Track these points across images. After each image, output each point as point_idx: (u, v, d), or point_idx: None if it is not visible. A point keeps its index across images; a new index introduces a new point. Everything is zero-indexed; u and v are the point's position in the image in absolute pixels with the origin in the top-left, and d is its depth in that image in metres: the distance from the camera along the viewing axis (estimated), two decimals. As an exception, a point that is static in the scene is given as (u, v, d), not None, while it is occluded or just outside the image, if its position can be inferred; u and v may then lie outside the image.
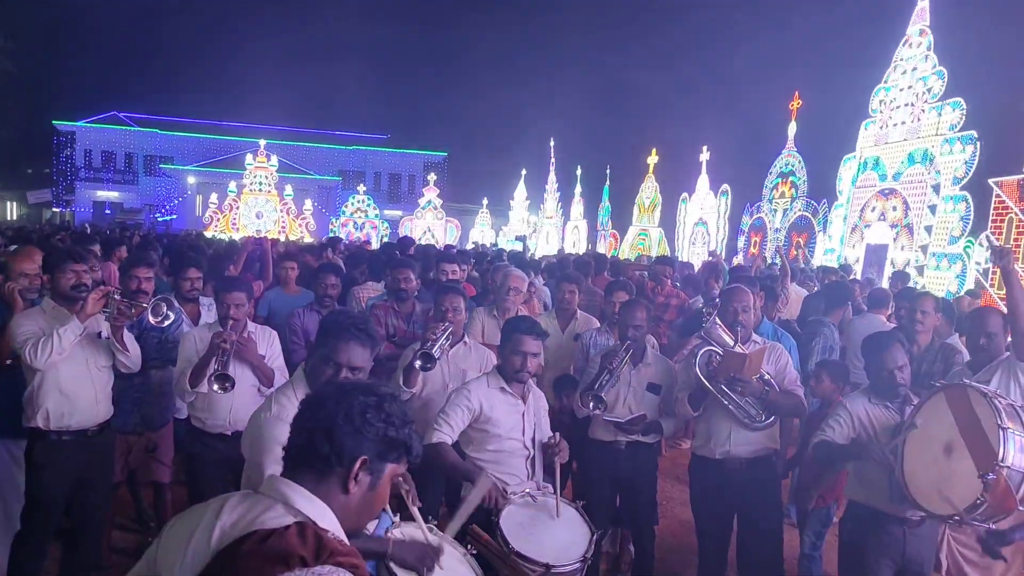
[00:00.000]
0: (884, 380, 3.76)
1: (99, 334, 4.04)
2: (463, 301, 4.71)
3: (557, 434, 3.88)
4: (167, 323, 4.12)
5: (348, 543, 1.66)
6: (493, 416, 3.75)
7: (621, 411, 4.49)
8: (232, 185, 34.60)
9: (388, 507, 2.80)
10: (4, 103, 36.41)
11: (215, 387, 3.87)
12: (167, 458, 4.94)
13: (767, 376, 4.20)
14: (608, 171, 29.17)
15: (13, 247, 11.11)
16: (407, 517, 2.85)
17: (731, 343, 4.18)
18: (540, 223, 34.79)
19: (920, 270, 13.28)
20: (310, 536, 1.57)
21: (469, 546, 3.03)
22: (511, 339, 3.77)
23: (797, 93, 18.15)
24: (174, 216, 43.40)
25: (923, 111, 13.72)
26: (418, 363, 4.19)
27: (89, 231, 24.48)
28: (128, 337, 4.10)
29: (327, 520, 1.66)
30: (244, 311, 4.25)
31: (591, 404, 4.24)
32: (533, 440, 3.86)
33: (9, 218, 48.91)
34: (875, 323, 6.35)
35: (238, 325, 4.17)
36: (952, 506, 3.22)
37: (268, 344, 4.37)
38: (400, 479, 2.79)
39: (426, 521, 2.86)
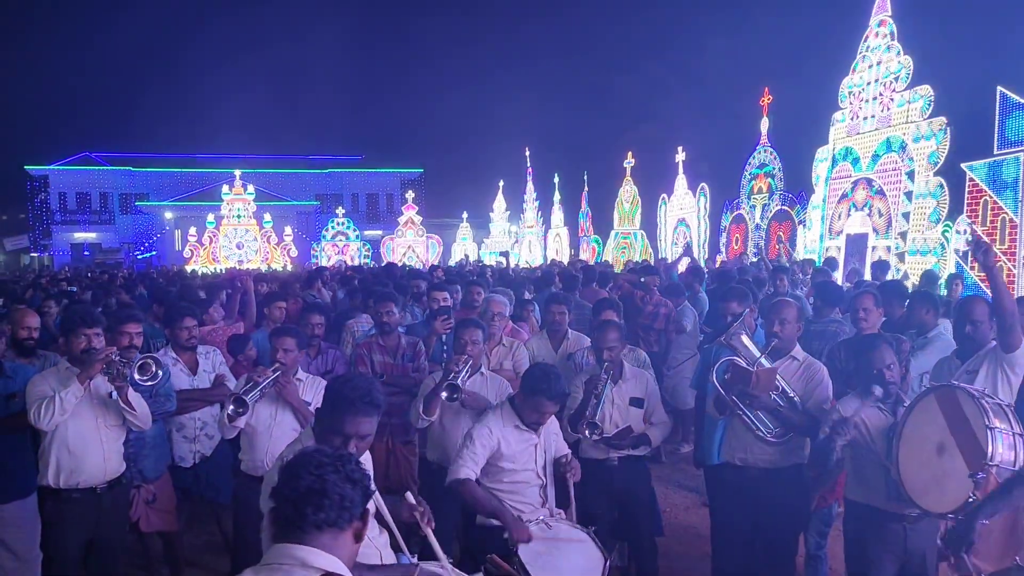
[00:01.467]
0: (874, 380, 3.82)
1: (110, 394, 4.11)
2: (481, 333, 4.86)
3: (569, 453, 3.97)
4: (151, 383, 4.16)
5: None
6: (508, 452, 3.85)
7: (608, 428, 4.55)
8: (210, 218, 34.52)
9: (406, 549, 2.86)
10: (-26, 151, 36.07)
11: (229, 408, 4.04)
12: (168, 507, 4.97)
13: (791, 393, 4.21)
14: (586, 177, 29.32)
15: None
16: (425, 557, 2.90)
17: (755, 354, 4.18)
18: (521, 233, 34.86)
19: (900, 257, 13.46)
20: None
21: None
22: (533, 400, 3.82)
23: (767, 89, 18.36)
24: (154, 253, 43.18)
25: (892, 100, 13.92)
26: (444, 394, 4.40)
27: (69, 274, 24.37)
28: (134, 396, 4.16)
29: (342, 571, 1.83)
30: (292, 356, 4.39)
31: (587, 432, 4.30)
32: (545, 469, 3.96)
33: (-14, 266, 48.49)
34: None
35: (285, 369, 4.30)
36: (946, 505, 3.30)
37: (315, 392, 4.40)
38: (415, 502, 2.96)
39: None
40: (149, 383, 4.13)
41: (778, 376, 4.19)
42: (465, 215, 37.35)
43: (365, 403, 2.77)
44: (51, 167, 47.14)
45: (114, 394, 4.09)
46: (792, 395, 4.21)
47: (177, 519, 5.12)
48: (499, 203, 36.70)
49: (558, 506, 4.04)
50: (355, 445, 2.74)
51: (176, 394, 4.87)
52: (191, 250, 33.48)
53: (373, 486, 1.98)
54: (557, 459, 4.02)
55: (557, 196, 31.53)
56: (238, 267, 28.21)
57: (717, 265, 16.03)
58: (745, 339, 4.28)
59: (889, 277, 10.63)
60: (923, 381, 5.20)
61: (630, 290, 8.88)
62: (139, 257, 42.08)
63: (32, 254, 47.67)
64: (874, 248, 14.34)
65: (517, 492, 3.81)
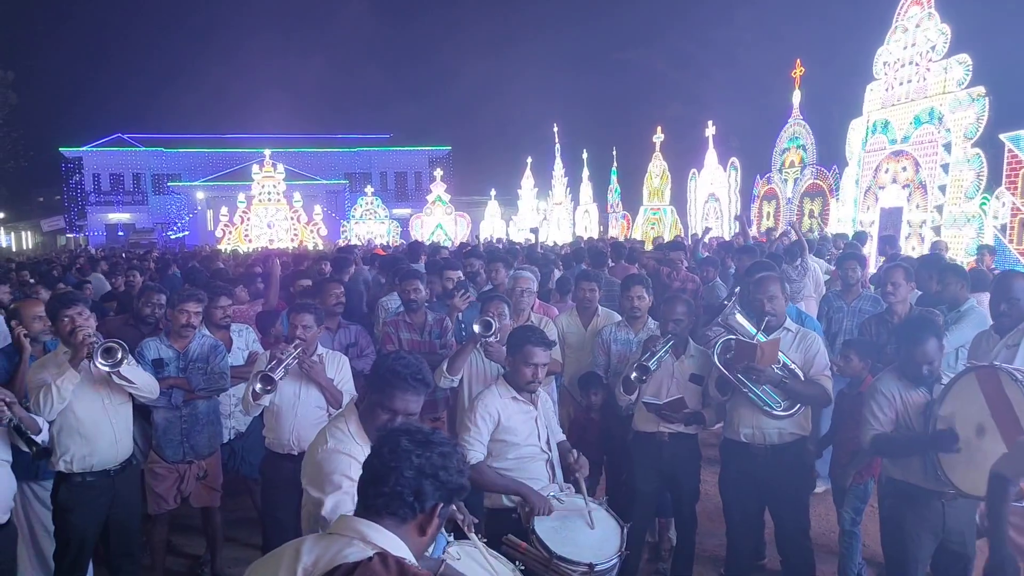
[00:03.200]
0: (914, 369, 3.75)
1: (108, 372, 4.02)
2: (507, 307, 4.95)
3: (576, 451, 3.94)
4: (112, 368, 3.98)
5: (423, 569, 1.80)
6: (510, 425, 3.79)
7: (662, 398, 4.53)
8: (241, 197, 34.78)
9: (443, 528, 2.88)
10: (10, 134, 36.69)
11: (256, 386, 4.06)
12: (217, 483, 5.06)
13: (792, 365, 4.20)
14: (614, 152, 29.06)
15: (32, 279, 11.26)
16: (460, 536, 2.91)
17: (753, 331, 4.17)
18: (550, 210, 34.72)
19: (937, 230, 13.20)
20: (392, 563, 1.70)
21: (517, 562, 3.07)
22: (521, 351, 3.80)
23: (799, 61, 18.02)
24: (186, 232, 43.71)
25: (928, 69, 13.59)
26: (478, 328, 4.49)
27: (104, 254, 24.74)
28: (130, 370, 4.08)
29: (402, 552, 1.80)
30: (312, 333, 4.38)
31: (633, 375, 4.28)
32: (548, 443, 3.92)
33: (24, 247, 49.41)
34: None
35: (305, 345, 4.31)
36: (983, 488, 3.19)
37: (337, 369, 4.45)
38: (454, 508, 2.92)
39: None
40: (107, 367, 3.94)
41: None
42: (493, 192, 37.26)
43: (416, 380, 2.75)
44: (85, 149, 47.86)
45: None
46: (793, 366, 4.20)
47: (220, 495, 5.21)
48: (527, 180, 36.57)
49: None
50: (403, 422, 2.72)
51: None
52: (223, 230, 33.81)
53: (465, 481, 1.89)
54: (563, 451, 3.98)
55: (586, 172, 31.35)
56: (268, 246, 28.52)
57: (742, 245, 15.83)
58: (740, 318, 4.28)
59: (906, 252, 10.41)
60: (958, 355, 5.12)
61: (655, 267, 8.82)
62: (172, 237, 42.62)
63: (68, 235, 48.49)
64: (909, 222, 14.09)
65: (524, 468, 3.76)
